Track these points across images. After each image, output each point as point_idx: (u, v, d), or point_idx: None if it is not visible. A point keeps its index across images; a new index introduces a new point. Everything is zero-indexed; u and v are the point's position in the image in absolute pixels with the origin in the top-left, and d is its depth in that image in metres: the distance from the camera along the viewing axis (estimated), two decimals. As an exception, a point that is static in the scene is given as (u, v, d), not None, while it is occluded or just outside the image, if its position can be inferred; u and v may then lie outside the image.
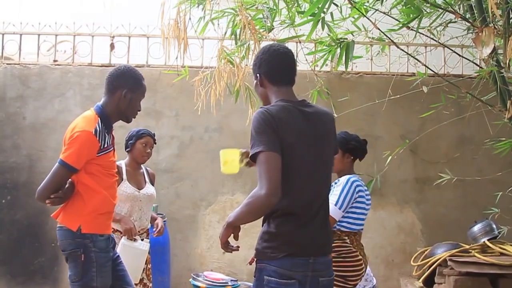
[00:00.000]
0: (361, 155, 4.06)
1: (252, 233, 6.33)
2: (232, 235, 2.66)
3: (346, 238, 3.75)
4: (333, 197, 3.68)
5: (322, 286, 2.64)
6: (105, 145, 3.32)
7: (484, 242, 5.62)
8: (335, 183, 3.81)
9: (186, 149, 6.46)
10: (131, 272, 3.71)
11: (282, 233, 2.57)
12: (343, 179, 3.80)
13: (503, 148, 4.86)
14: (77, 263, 3.26)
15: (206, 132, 6.48)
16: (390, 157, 5.41)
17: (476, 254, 5.36)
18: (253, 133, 2.55)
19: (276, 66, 2.76)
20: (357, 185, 3.79)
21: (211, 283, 5.58)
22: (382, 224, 6.43)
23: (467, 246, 5.56)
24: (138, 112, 3.55)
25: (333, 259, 3.49)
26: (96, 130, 3.26)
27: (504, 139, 4.92)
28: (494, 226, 5.73)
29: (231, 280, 5.76)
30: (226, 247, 2.70)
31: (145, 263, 4.34)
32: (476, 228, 5.82)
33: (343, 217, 3.74)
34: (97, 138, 3.25)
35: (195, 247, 6.39)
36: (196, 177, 6.40)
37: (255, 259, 2.66)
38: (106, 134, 3.35)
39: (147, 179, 4.55)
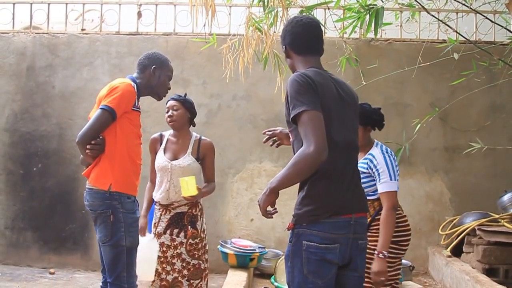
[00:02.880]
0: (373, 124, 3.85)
1: (280, 201, 6.35)
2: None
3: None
4: (382, 174, 3.62)
5: (361, 249, 2.68)
6: (138, 104, 3.56)
7: (514, 211, 5.59)
8: (369, 161, 3.68)
9: (214, 117, 6.47)
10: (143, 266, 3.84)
11: (323, 193, 2.59)
12: (377, 153, 3.69)
13: (536, 116, 4.78)
14: (106, 224, 3.41)
15: (234, 100, 6.47)
16: (419, 125, 5.35)
17: (505, 224, 5.33)
18: (293, 95, 2.55)
19: (299, 36, 2.79)
20: (391, 150, 3.75)
21: (238, 250, 5.63)
22: (411, 192, 6.40)
23: (497, 216, 5.52)
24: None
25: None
26: (133, 85, 3.53)
27: (537, 107, 4.84)
28: (524, 195, 5.68)
29: (259, 247, 5.81)
30: (266, 213, 2.67)
31: (187, 238, 4.15)
32: (506, 197, 5.78)
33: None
34: (135, 90, 3.52)
35: (223, 215, 6.44)
36: (224, 145, 6.41)
37: (294, 225, 2.64)
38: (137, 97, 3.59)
39: (189, 150, 4.24)
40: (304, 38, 2.79)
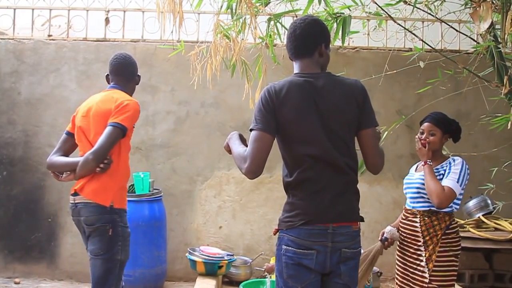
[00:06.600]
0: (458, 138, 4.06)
1: (248, 208, 6.38)
2: None
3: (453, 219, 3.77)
4: (453, 174, 3.65)
5: (345, 258, 2.66)
6: None
7: (479, 217, 5.68)
8: (449, 163, 3.78)
9: (182, 124, 6.44)
10: None
11: (297, 201, 2.67)
12: (459, 159, 3.78)
13: (499, 124, 4.85)
14: (103, 237, 3.37)
15: (202, 107, 6.45)
16: (386, 133, 5.40)
17: (470, 229, 5.42)
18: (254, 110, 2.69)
19: (288, 43, 2.83)
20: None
21: (207, 257, 5.61)
22: (378, 199, 6.46)
23: (462, 221, 5.60)
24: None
25: (453, 239, 3.67)
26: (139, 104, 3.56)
27: (500, 114, 4.91)
28: (489, 201, 5.77)
29: (227, 255, 5.79)
30: None
31: None
32: (471, 203, 5.86)
33: (457, 198, 3.68)
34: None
35: (191, 222, 6.41)
36: (192, 152, 6.39)
37: (277, 230, 2.75)
38: None
39: None
40: (290, 43, 2.80)
